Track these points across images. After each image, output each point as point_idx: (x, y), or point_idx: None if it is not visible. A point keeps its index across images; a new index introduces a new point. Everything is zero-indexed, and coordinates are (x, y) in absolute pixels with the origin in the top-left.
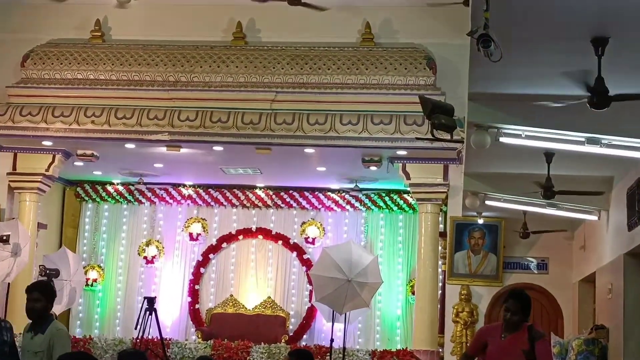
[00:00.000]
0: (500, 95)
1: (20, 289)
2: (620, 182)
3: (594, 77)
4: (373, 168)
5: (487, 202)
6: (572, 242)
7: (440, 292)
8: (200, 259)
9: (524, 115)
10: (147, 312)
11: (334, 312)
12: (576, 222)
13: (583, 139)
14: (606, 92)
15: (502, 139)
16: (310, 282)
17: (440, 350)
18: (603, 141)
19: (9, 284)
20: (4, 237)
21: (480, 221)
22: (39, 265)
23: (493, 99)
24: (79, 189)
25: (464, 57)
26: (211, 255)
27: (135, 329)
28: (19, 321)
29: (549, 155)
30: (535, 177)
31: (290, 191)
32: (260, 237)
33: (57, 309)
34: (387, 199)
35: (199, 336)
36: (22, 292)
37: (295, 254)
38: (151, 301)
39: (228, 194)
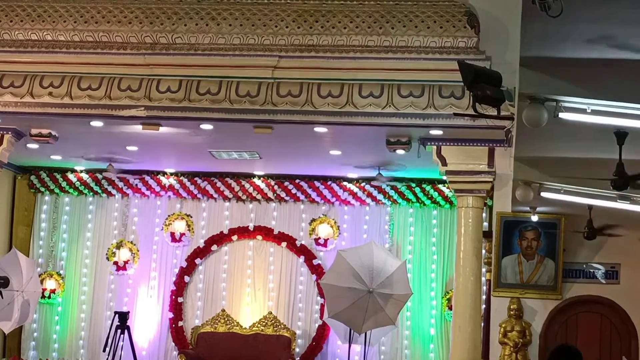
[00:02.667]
0: (561, 60)
1: None
2: None
3: None
4: (400, 151)
5: (543, 195)
6: None
7: (484, 306)
8: (184, 265)
9: (590, 85)
10: (118, 331)
11: (352, 332)
12: None
13: None
14: None
15: (562, 115)
16: (321, 294)
17: None
18: None
19: None
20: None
21: (535, 218)
22: None
23: (551, 64)
24: (33, 177)
25: (515, 12)
26: (198, 261)
27: (104, 351)
28: None
29: (620, 135)
30: (604, 162)
31: (297, 180)
32: (259, 237)
33: (6, 326)
34: (417, 190)
35: None
36: None
37: (302, 258)
38: (123, 317)
39: (219, 183)
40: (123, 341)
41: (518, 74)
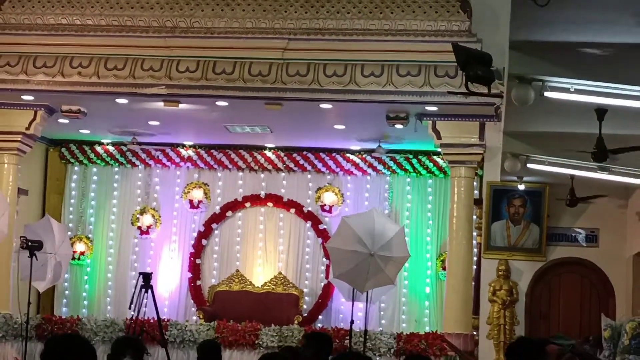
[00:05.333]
0: (546, 44)
1: None
2: None
3: None
4: (399, 126)
5: (529, 166)
6: (626, 210)
7: (475, 267)
8: (202, 229)
9: (573, 66)
10: (143, 290)
11: (354, 290)
12: (631, 187)
13: None
14: None
15: (548, 94)
16: (327, 256)
17: (475, 333)
18: None
19: None
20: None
21: (521, 187)
22: (20, 237)
23: (537, 47)
24: (64, 149)
25: None
26: (214, 225)
27: (129, 308)
28: None
29: (601, 112)
30: (585, 136)
31: (304, 152)
32: (270, 204)
33: (40, 285)
34: (414, 161)
35: (201, 317)
36: None
37: (309, 223)
38: (147, 277)
39: (233, 155)
40: (147, 299)
41: (507, 55)
